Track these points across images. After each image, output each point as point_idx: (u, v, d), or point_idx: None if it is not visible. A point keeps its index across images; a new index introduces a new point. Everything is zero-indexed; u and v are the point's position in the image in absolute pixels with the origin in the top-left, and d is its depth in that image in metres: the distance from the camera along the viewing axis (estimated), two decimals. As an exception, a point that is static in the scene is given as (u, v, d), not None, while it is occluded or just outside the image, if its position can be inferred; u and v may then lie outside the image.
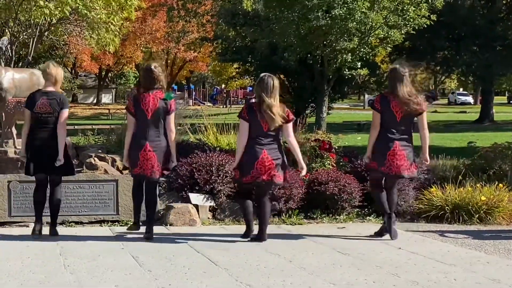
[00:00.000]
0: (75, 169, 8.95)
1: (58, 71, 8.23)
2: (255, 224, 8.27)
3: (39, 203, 8.23)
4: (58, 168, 8.08)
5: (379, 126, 8.10)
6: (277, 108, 7.88)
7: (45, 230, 8.21)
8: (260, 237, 8.07)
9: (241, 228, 8.64)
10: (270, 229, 8.77)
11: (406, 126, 8.11)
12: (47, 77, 8.21)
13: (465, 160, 11.59)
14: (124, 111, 9.90)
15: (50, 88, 8.18)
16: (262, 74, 8.14)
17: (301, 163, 8.11)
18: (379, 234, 8.47)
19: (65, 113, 8.11)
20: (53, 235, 8.14)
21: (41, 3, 16.55)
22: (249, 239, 8.14)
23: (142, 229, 8.26)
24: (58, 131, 8.04)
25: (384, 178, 8.24)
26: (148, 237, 8.06)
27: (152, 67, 8.18)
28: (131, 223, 8.60)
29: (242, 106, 10.04)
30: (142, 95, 8.07)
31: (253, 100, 8.55)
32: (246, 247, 7.73)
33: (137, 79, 71.22)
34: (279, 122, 7.88)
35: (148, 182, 8.18)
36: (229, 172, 9.68)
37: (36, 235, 8.09)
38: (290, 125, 8.08)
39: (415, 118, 8.15)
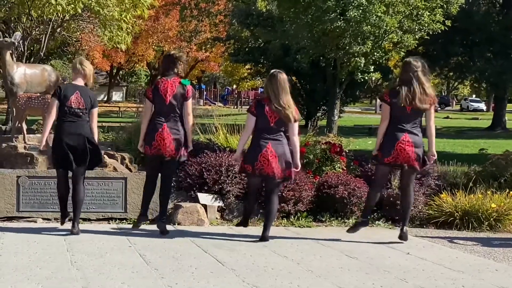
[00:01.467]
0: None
1: (90, 67, 8.35)
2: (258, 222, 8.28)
3: (63, 197, 8.26)
4: (85, 161, 8.10)
5: (389, 118, 8.10)
6: (290, 101, 8.03)
7: (49, 227, 8.21)
8: (263, 236, 8.12)
9: (249, 230, 8.64)
10: (279, 231, 8.76)
11: (415, 119, 8.10)
12: (80, 71, 8.25)
13: (476, 167, 11.52)
14: (135, 108, 9.93)
15: (81, 83, 8.23)
16: (272, 71, 8.26)
17: (297, 162, 8.20)
18: (352, 229, 8.55)
19: (96, 111, 8.30)
20: (75, 234, 8.08)
21: (53, 0, 16.58)
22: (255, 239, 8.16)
23: (150, 229, 8.25)
24: (92, 128, 8.18)
25: (390, 176, 8.24)
26: (163, 229, 8.18)
27: (172, 53, 8.41)
28: (138, 215, 8.62)
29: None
30: (161, 80, 8.23)
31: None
32: (254, 248, 7.71)
33: (149, 78, 71.50)
34: (293, 115, 7.98)
35: (166, 164, 8.22)
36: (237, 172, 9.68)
37: (69, 231, 8.08)
38: (297, 124, 8.17)
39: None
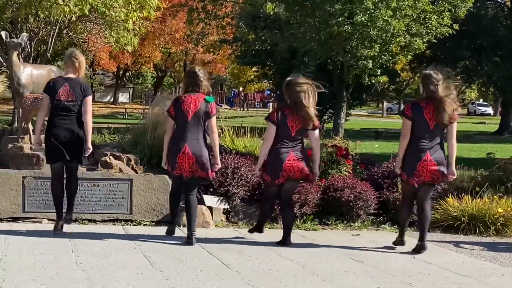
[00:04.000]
0: (90, 167, 8.93)
1: (82, 58, 8.23)
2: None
3: (58, 195, 8.18)
4: (78, 155, 8.03)
5: (409, 134, 7.88)
6: (313, 110, 7.94)
7: (50, 227, 8.19)
8: (285, 242, 8.10)
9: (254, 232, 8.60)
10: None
11: (438, 135, 7.87)
12: (71, 62, 8.16)
13: (483, 171, 11.47)
14: (141, 110, 9.90)
15: (71, 75, 8.14)
16: (292, 78, 8.08)
17: (316, 169, 8.18)
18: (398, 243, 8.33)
19: (89, 99, 8.08)
20: (67, 221, 8.18)
21: (60, 1, 16.61)
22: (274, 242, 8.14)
23: (156, 231, 8.24)
24: (84, 119, 7.98)
25: (414, 192, 8.07)
26: (189, 241, 7.95)
27: (196, 70, 8.18)
28: (168, 226, 8.53)
29: (269, 110, 10.02)
30: (184, 96, 8.04)
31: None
32: (259, 251, 7.69)
33: (155, 79, 71.59)
34: (313, 122, 7.92)
35: (186, 183, 8.06)
36: (244, 175, 9.67)
37: (58, 232, 8.07)
38: (317, 131, 8.15)
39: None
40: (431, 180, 7.88)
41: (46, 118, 8.29)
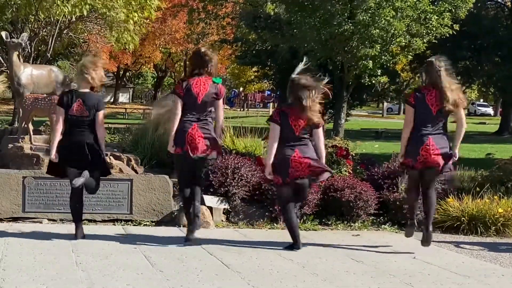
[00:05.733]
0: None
1: (94, 74, 7.89)
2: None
3: (76, 209, 8.04)
4: (95, 167, 7.91)
5: (413, 122, 7.85)
6: (317, 108, 7.87)
7: (54, 228, 8.21)
8: (299, 245, 7.95)
9: (255, 232, 8.62)
10: (284, 233, 8.72)
11: (440, 122, 7.84)
12: (82, 78, 7.92)
13: (483, 171, 11.47)
14: (141, 110, 9.86)
15: (86, 90, 7.91)
16: (296, 76, 7.96)
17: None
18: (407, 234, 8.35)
19: (101, 115, 7.90)
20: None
21: (59, 2, 16.63)
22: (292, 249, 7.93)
23: (156, 231, 8.23)
24: (98, 132, 7.84)
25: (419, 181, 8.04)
26: (189, 238, 7.89)
27: (203, 50, 8.02)
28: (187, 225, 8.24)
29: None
30: (192, 79, 7.85)
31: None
32: (259, 251, 7.69)
33: (155, 79, 71.56)
34: (316, 119, 7.83)
35: (196, 163, 7.82)
36: (245, 175, 9.66)
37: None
38: (321, 129, 8.03)
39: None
40: (435, 164, 7.78)
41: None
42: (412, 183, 8.21)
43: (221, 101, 7.97)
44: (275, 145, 7.79)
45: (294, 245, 7.90)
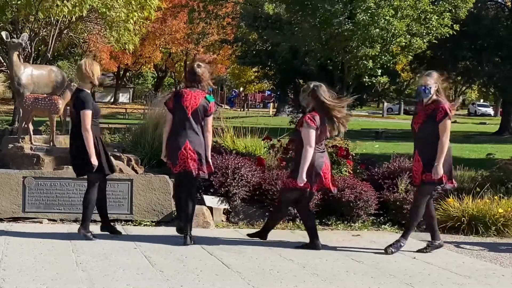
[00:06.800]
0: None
1: (87, 68, 7.91)
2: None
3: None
4: (82, 169, 7.97)
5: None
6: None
7: (54, 228, 8.20)
8: (319, 245, 8.02)
9: (255, 231, 8.58)
10: (284, 234, 8.75)
11: (426, 133, 7.77)
12: (78, 74, 8.09)
13: (484, 171, 11.48)
14: (142, 110, 9.86)
15: (77, 86, 8.08)
16: (314, 84, 8.06)
17: None
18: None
19: (83, 114, 7.75)
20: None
21: (58, 2, 16.62)
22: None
23: (156, 231, 8.24)
24: (83, 133, 7.76)
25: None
26: (185, 241, 7.89)
27: (195, 67, 8.04)
28: (177, 227, 8.22)
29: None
30: (184, 91, 7.97)
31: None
32: (260, 251, 7.69)
33: (156, 79, 71.57)
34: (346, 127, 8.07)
35: (187, 179, 7.91)
36: (245, 175, 9.67)
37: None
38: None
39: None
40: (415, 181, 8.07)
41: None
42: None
43: (210, 118, 7.97)
44: (312, 151, 7.76)
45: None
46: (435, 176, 7.64)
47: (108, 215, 8.42)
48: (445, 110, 7.63)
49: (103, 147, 8.07)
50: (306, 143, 7.73)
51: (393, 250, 7.89)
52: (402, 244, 7.98)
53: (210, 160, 8.03)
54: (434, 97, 7.75)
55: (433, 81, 7.80)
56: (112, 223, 8.57)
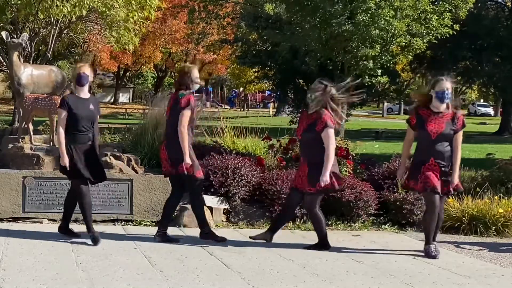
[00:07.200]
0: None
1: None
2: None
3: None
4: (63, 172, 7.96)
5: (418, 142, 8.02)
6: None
7: (54, 228, 8.20)
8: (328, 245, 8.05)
9: (255, 232, 8.59)
10: (285, 234, 8.74)
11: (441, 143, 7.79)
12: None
13: (484, 171, 11.48)
14: (142, 110, 9.89)
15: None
16: (325, 83, 8.04)
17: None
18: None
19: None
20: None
21: (58, 2, 16.65)
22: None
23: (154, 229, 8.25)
24: None
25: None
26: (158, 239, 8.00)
27: (185, 70, 8.15)
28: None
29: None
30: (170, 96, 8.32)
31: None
32: (260, 251, 7.69)
33: (156, 79, 71.58)
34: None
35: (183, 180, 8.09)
36: (245, 175, 9.66)
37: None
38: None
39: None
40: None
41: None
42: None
43: (183, 112, 7.79)
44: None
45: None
46: None
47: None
48: None
49: (83, 155, 7.80)
50: (330, 143, 7.80)
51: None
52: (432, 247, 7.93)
53: (186, 157, 7.84)
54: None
55: (451, 85, 7.86)
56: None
